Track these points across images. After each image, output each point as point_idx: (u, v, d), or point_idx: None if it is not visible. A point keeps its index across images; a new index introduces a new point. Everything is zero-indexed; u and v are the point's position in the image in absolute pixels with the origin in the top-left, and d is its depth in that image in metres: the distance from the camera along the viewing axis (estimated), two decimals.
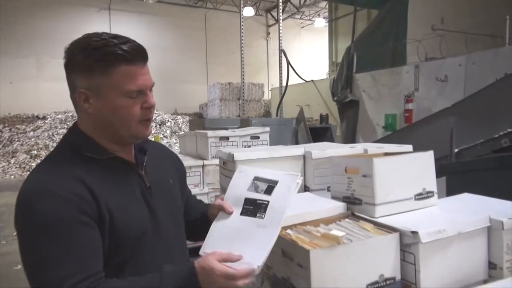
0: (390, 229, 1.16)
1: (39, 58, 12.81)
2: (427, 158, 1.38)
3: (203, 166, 2.80)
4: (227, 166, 1.61)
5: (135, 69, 0.96)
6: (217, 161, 2.73)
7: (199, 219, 1.25)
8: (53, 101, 12.35)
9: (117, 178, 1.00)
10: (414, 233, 1.09)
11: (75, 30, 13.03)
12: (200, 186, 2.80)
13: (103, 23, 13.63)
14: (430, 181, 1.38)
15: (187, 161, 2.81)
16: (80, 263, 0.85)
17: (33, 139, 11.26)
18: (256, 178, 1.21)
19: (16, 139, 11.54)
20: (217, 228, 1.13)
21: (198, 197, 2.71)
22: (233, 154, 1.53)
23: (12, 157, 10.56)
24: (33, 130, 11.82)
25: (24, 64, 12.50)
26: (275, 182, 1.20)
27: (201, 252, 1.06)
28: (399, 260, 1.13)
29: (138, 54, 0.97)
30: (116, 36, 0.96)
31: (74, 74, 0.97)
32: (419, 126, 3.59)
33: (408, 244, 1.13)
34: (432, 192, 1.38)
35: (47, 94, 12.56)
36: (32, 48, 12.64)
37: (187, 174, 2.73)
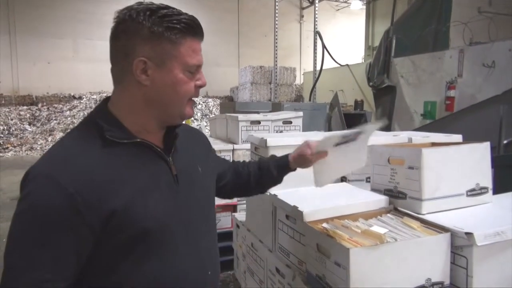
0: (439, 228, 1.05)
1: (76, 39, 13.06)
2: (483, 150, 1.24)
3: (233, 150, 2.73)
4: (259, 152, 1.52)
5: (198, 44, 0.92)
6: (247, 146, 2.66)
7: (260, 169, 1.21)
8: (88, 82, 12.65)
9: (140, 165, 0.90)
10: (469, 234, 0.97)
11: (110, 12, 13.18)
12: None
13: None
14: (484, 175, 1.25)
15: (217, 145, 2.74)
16: (41, 265, 0.78)
17: (69, 118, 11.57)
18: (343, 137, 1.14)
19: (54, 118, 11.90)
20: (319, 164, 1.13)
21: None
22: (266, 140, 1.44)
23: (50, 135, 10.91)
24: (70, 110, 12.14)
25: (62, 45, 12.76)
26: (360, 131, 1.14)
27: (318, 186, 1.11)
28: (449, 264, 1.02)
29: (200, 28, 0.92)
30: (182, 12, 0.91)
31: (134, 40, 0.86)
32: (463, 115, 3.36)
33: (460, 246, 1.01)
34: (487, 188, 1.24)
35: (83, 75, 12.84)
36: (69, 30, 12.87)
37: None
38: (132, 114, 0.92)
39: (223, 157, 2.64)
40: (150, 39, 0.86)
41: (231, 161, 1.38)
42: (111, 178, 0.84)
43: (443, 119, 3.91)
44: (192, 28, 0.89)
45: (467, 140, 1.43)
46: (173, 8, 0.89)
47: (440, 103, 4.74)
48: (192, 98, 0.94)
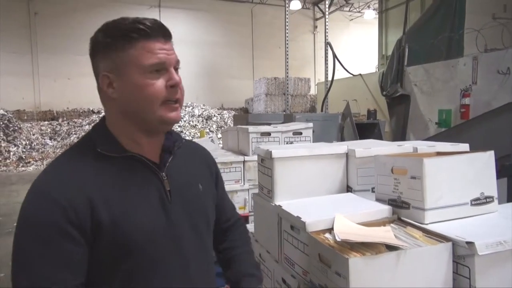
0: (441, 237, 1.04)
1: None
2: (487, 159, 1.23)
3: (244, 162, 2.76)
4: (265, 164, 1.55)
5: (155, 44, 0.89)
6: None
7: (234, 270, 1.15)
8: None
9: (131, 180, 0.90)
10: (470, 243, 0.97)
11: None
12: (240, 182, 2.77)
13: None
14: (489, 184, 1.24)
15: (228, 157, 2.78)
16: (48, 273, 0.79)
17: None
18: None
19: (73, 132, 12.23)
20: None
21: (239, 193, 2.71)
22: (271, 151, 1.46)
23: None
24: (89, 124, 12.45)
25: (81, 62, 13.09)
26: None
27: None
28: (451, 273, 1.02)
29: (159, 29, 0.90)
30: (138, 18, 0.90)
31: (96, 58, 0.91)
32: (477, 123, 3.32)
33: (462, 255, 1.01)
34: (492, 197, 1.23)
35: None
36: (87, 47, 13.30)
37: (228, 170, 2.73)
38: (120, 129, 0.93)
39: (233, 168, 2.71)
40: (106, 53, 0.89)
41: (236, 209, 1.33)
42: (101, 192, 0.85)
43: (457, 127, 3.87)
44: (143, 31, 0.88)
45: (478, 148, 1.42)
46: (133, 18, 0.89)
47: (455, 111, 4.69)
48: (171, 100, 0.91)
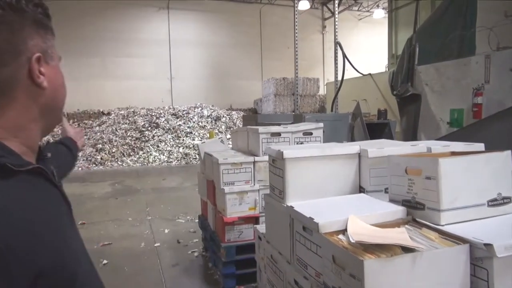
0: (458, 239, 1.02)
1: (104, 58, 13.63)
2: (504, 159, 1.21)
3: (254, 162, 2.75)
4: (276, 164, 1.54)
5: None
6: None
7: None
8: (116, 98, 13.24)
9: (45, 199, 0.67)
10: (488, 245, 0.95)
11: (136, 30, 13.78)
12: (251, 183, 2.76)
13: (162, 22, 14.16)
14: (506, 185, 1.21)
15: (237, 157, 2.77)
16: None
17: (98, 134, 11.95)
18: None
19: (84, 134, 12.32)
20: None
21: (249, 194, 2.71)
22: (282, 152, 1.45)
23: (80, 150, 11.28)
24: (99, 125, 12.55)
25: (90, 64, 13.32)
26: None
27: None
28: (469, 276, 0.99)
29: None
30: None
31: (22, 33, 0.66)
32: (490, 122, 3.26)
33: (479, 257, 0.99)
34: (509, 198, 1.21)
35: (111, 91, 13.48)
36: (97, 49, 13.46)
37: (238, 171, 2.73)
38: (22, 132, 0.69)
39: (243, 169, 2.70)
40: (37, 29, 0.68)
41: None
42: (32, 221, 0.60)
43: (469, 127, 3.81)
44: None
45: (493, 148, 1.39)
46: None
47: (468, 110, 4.62)
48: None
